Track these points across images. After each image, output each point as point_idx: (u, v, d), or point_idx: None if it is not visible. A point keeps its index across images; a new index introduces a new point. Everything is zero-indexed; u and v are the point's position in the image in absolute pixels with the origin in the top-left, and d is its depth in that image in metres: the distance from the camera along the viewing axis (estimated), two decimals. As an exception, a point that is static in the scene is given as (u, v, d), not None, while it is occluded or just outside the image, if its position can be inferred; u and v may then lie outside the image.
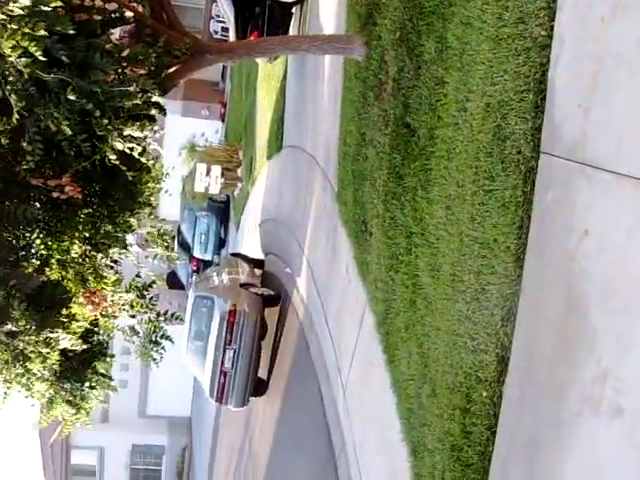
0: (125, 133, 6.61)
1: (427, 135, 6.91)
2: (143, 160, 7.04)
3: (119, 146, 6.61)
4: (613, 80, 4.37)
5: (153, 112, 7.09)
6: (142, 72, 7.56)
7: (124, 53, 6.59)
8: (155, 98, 6.63)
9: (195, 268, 25.54)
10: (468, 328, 5.89)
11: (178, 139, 25.43)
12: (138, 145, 6.91)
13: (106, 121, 6.28)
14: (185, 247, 25.76)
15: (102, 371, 11.62)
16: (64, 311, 8.04)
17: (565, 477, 4.59)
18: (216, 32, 26.89)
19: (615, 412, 4.14)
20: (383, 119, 8.18)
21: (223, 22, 23.92)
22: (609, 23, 4.39)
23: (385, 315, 7.92)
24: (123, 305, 9.37)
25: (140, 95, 6.52)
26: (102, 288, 8.98)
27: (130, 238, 9.43)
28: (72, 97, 5.96)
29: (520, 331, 5.24)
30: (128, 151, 6.71)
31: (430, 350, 6.65)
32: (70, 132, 6.22)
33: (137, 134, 6.67)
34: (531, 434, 5.04)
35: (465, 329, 5.93)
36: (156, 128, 7.12)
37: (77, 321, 8.25)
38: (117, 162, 6.76)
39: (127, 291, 9.39)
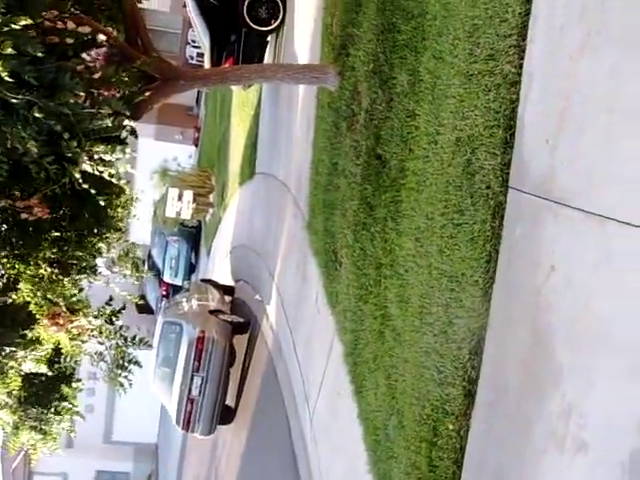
0: (95, 156, 6.56)
1: (398, 167, 6.95)
2: (114, 181, 6.98)
3: (88, 168, 6.55)
4: (580, 117, 4.43)
5: (124, 135, 7.05)
6: (115, 95, 7.55)
7: (95, 75, 6.55)
8: (126, 122, 6.59)
9: (165, 293, 25.38)
10: (435, 361, 5.88)
11: (150, 163, 25.37)
12: (109, 168, 6.87)
13: (75, 143, 6.23)
14: (155, 271, 25.60)
15: (68, 396, 11.46)
16: (28, 333, 7.93)
17: (529, 513, 4.59)
18: (192, 57, 26.94)
19: (578, 447, 4.14)
20: (355, 150, 8.22)
21: (199, 48, 23.99)
22: (577, 61, 4.45)
23: (353, 345, 7.91)
24: (92, 331, 9.27)
25: (111, 118, 6.49)
26: (72, 312, 8.89)
27: (99, 262, 9.35)
28: (39, 115, 5.89)
29: (487, 365, 5.24)
30: (97, 173, 6.66)
31: (398, 382, 6.64)
32: (37, 152, 6.15)
33: (107, 157, 6.62)
34: (497, 468, 5.03)
35: (433, 362, 5.93)
36: (127, 150, 7.07)
37: (41, 344, 8.13)
38: (86, 185, 6.70)
39: (96, 317, 9.29)
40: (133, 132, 7.67)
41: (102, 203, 7.95)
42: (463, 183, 5.63)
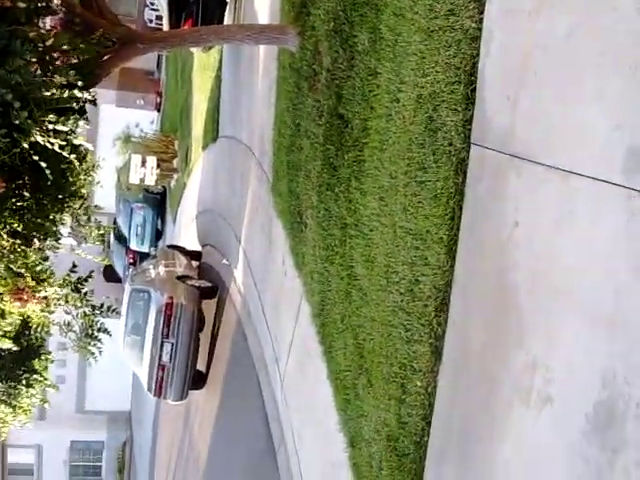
0: (49, 127, 6.40)
1: (360, 126, 6.90)
2: (65, 154, 6.80)
3: (39, 139, 6.39)
4: (540, 72, 4.41)
5: (81, 105, 6.90)
6: (73, 62, 7.38)
7: (49, 42, 6.37)
8: (78, 92, 6.43)
9: (132, 261, 25.21)
10: (402, 319, 5.91)
11: (112, 129, 25.03)
12: (65, 139, 6.70)
13: (26, 113, 6.07)
14: (121, 239, 25.40)
15: (38, 369, 11.39)
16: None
17: (497, 465, 4.65)
18: (150, 20, 26.49)
19: (544, 401, 4.20)
20: (317, 110, 8.15)
21: (157, 10, 23.58)
22: (536, 17, 4.43)
23: (321, 306, 7.92)
24: (58, 300, 9.17)
25: (63, 87, 6.32)
26: (36, 283, 8.78)
27: (63, 230, 9.22)
28: None
29: (453, 321, 5.28)
30: (49, 145, 6.50)
31: (365, 341, 6.67)
32: None
33: (60, 127, 6.46)
34: (464, 424, 5.09)
35: (399, 320, 5.96)
36: (82, 123, 6.90)
37: (5, 319, 8.02)
38: (36, 157, 6.55)
39: (61, 285, 9.19)
40: (92, 101, 7.51)
41: (61, 171, 7.79)
42: (425, 140, 5.61)
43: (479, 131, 5.00)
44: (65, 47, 6.57)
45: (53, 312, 9.28)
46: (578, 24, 4.11)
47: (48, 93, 6.19)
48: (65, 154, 6.69)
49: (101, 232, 9.83)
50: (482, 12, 5.02)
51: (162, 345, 14.42)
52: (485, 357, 4.85)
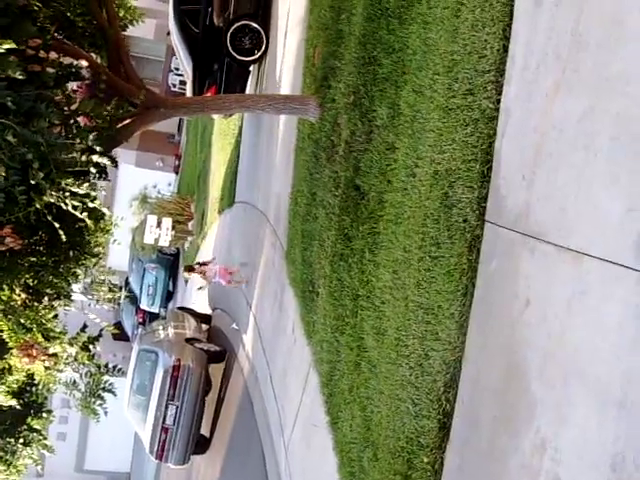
0: (67, 189, 6.51)
1: (376, 199, 6.98)
2: (79, 215, 6.91)
3: (53, 200, 6.50)
4: (556, 154, 4.49)
5: (101, 165, 7.02)
6: (95, 125, 7.54)
7: (73, 106, 6.53)
8: (96, 157, 6.56)
9: (141, 320, 25.22)
10: (411, 393, 5.88)
11: (130, 189, 25.33)
12: (80, 201, 6.81)
13: (42, 174, 6.19)
14: (132, 298, 25.45)
15: (37, 427, 11.29)
16: (-1, 362, 7.82)
17: None
18: (174, 85, 27.04)
19: (552, 483, 4.14)
20: (334, 181, 8.26)
21: (182, 75, 24.09)
22: (553, 99, 4.52)
23: (329, 376, 7.88)
24: (67, 358, 9.16)
25: (83, 152, 6.46)
26: (45, 340, 8.78)
27: (75, 287, 9.27)
28: (12, 140, 5.86)
29: (462, 398, 5.25)
30: (63, 206, 6.61)
31: (373, 414, 6.62)
32: (7, 179, 6.10)
33: (75, 190, 6.58)
34: (470, 503, 5.02)
35: (408, 394, 5.93)
36: (100, 186, 7.03)
37: (12, 375, 8.01)
38: (49, 217, 6.66)
39: (71, 344, 9.19)
40: (114, 161, 7.66)
41: (77, 230, 7.89)
42: (440, 216, 5.67)
43: (494, 209, 5.06)
44: (90, 113, 6.73)
45: (62, 371, 9.27)
46: (592, 108, 4.20)
47: (68, 156, 6.32)
48: (79, 214, 6.80)
49: (114, 296, 9.90)
50: (500, 93, 5.14)
51: (167, 407, 14.33)
52: (494, 435, 4.81)
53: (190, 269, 15.07)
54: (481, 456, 4.95)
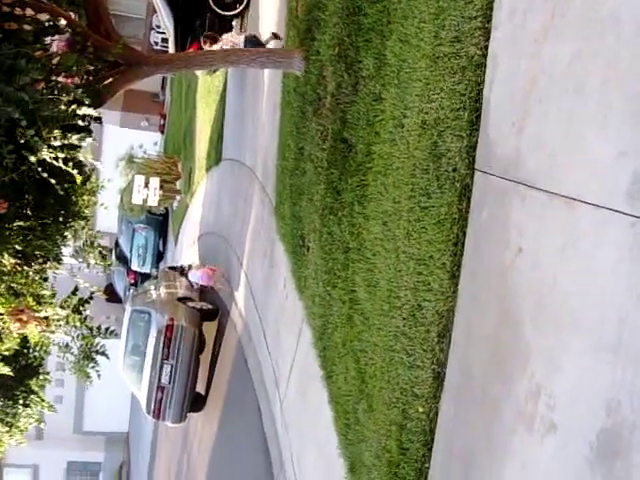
0: (54, 143, 6.41)
1: (364, 151, 6.92)
2: (69, 170, 6.81)
3: (46, 156, 6.40)
4: (545, 99, 4.43)
5: (86, 122, 6.92)
6: (77, 82, 7.41)
7: (54, 61, 6.40)
8: (85, 109, 6.45)
9: (133, 281, 25.19)
10: (404, 344, 5.89)
11: (116, 150, 25.10)
12: (69, 155, 6.71)
13: (32, 131, 6.09)
14: (123, 260, 25.39)
15: (36, 389, 11.33)
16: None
17: (499, 493, 4.61)
18: (156, 43, 26.64)
19: (547, 428, 4.17)
20: (321, 134, 8.18)
21: (163, 33, 23.73)
22: (541, 44, 4.45)
23: (322, 330, 7.90)
24: (58, 321, 9.15)
25: (70, 105, 6.34)
26: (37, 304, 8.76)
27: (65, 250, 9.21)
28: None
29: (456, 347, 5.26)
30: (55, 162, 6.51)
31: (367, 366, 6.64)
32: None
33: (65, 142, 6.47)
34: (466, 450, 5.05)
35: (401, 345, 5.94)
36: (88, 139, 6.92)
37: (3, 342, 7.99)
38: (45, 174, 6.56)
39: (62, 307, 9.17)
40: (98, 119, 7.55)
41: (65, 191, 7.80)
42: (429, 166, 5.62)
43: (483, 157, 5.01)
44: (72, 67, 6.60)
45: (53, 332, 9.26)
46: (581, 51, 4.13)
47: (55, 110, 6.21)
48: (69, 169, 6.69)
49: (105, 263, 9.85)
50: (487, 39, 5.05)
51: (162, 367, 14.37)
52: (488, 383, 4.83)
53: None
54: (476, 404, 4.97)
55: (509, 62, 4.83)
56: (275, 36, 10.93)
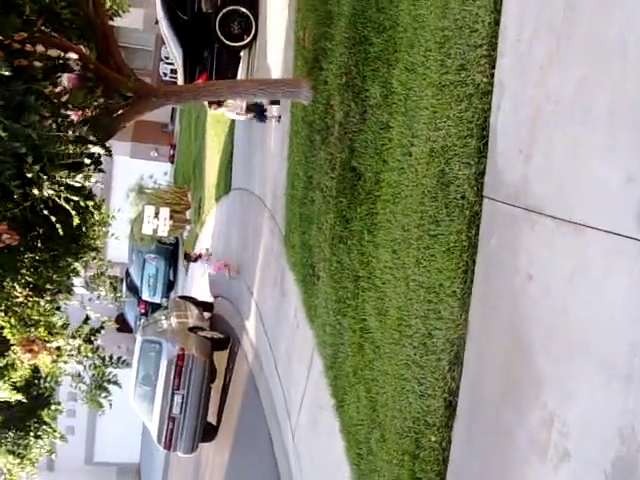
0: (61, 180, 6.45)
1: (373, 179, 6.94)
2: (68, 207, 6.85)
3: (48, 193, 6.44)
4: (552, 126, 4.44)
5: (95, 156, 6.96)
6: (87, 116, 7.47)
7: (64, 98, 6.46)
8: (91, 147, 6.50)
9: (143, 311, 25.20)
10: (416, 372, 5.86)
11: (126, 181, 25.25)
12: (75, 194, 6.74)
13: (37, 167, 6.14)
14: (133, 290, 25.43)
15: (47, 420, 11.31)
16: (2, 359, 7.80)
17: (514, 523, 4.56)
18: (165, 74, 26.84)
19: (561, 456, 4.13)
20: (330, 163, 8.21)
21: (172, 64, 23.94)
22: (547, 71, 4.47)
23: (333, 359, 7.87)
24: (70, 351, 9.16)
25: (76, 143, 6.39)
26: (48, 334, 8.77)
27: (76, 281, 9.23)
28: (3, 135, 5.79)
29: (467, 375, 5.23)
30: (58, 200, 6.55)
31: (379, 394, 6.60)
32: (2, 174, 6.05)
33: (70, 182, 6.51)
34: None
35: (413, 373, 5.91)
36: (96, 175, 6.97)
37: (16, 370, 7.99)
38: (46, 212, 6.60)
39: (74, 337, 9.18)
40: (107, 153, 7.59)
41: (75, 224, 7.84)
42: (438, 194, 5.63)
43: (492, 184, 5.02)
44: (81, 103, 6.66)
45: (66, 362, 9.26)
46: (587, 77, 4.15)
47: (61, 148, 6.25)
48: (71, 209, 6.73)
49: (116, 294, 9.89)
50: (493, 67, 5.08)
51: (173, 397, 14.33)
52: (500, 411, 4.79)
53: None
54: (489, 432, 4.94)
55: (515, 89, 4.85)
56: (274, 102, 11.46)
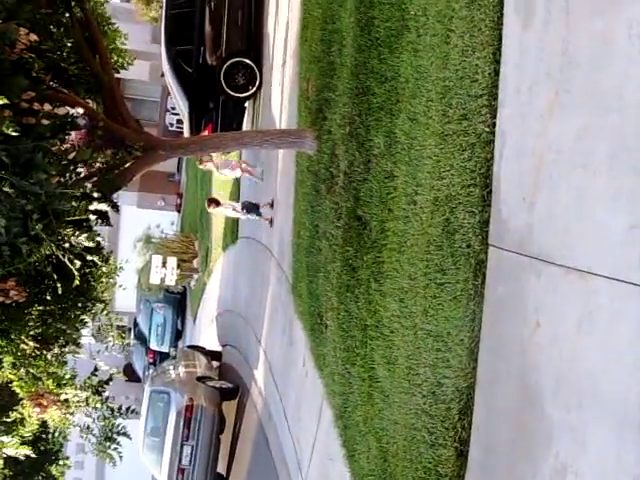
0: (64, 238, 6.51)
1: (378, 228, 6.97)
2: (72, 267, 6.90)
3: (53, 250, 6.50)
4: (555, 174, 4.48)
5: (100, 212, 7.03)
6: (94, 171, 7.56)
7: (70, 156, 6.55)
8: (96, 205, 6.57)
9: (151, 360, 25.12)
10: (426, 422, 5.82)
11: (133, 231, 25.40)
12: (80, 253, 6.80)
13: (41, 225, 6.20)
14: (141, 339, 25.39)
15: (56, 474, 11.25)
16: (11, 414, 7.78)
17: None
18: (171, 125, 27.16)
19: (575, 508, 4.08)
20: (335, 212, 8.26)
21: (178, 115, 24.22)
22: (547, 120, 4.52)
23: (343, 409, 7.82)
24: (78, 402, 9.13)
25: (81, 199, 6.47)
26: (56, 386, 8.75)
27: (83, 331, 9.25)
28: (10, 192, 5.87)
29: (477, 424, 5.19)
30: (61, 257, 6.61)
31: (389, 444, 6.55)
32: (6, 229, 6.10)
33: (73, 240, 6.58)
34: (493, 531, 4.94)
35: (423, 423, 5.87)
36: (100, 237, 7.04)
37: (24, 426, 7.97)
38: (49, 268, 6.66)
39: (82, 388, 9.16)
40: (114, 207, 7.67)
41: (82, 277, 7.88)
42: (443, 242, 5.65)
43: (496, 233, 5.04)
44: (88, 160, 6.75)
45: (74, 413, 9.23)
46: (588, 126, 4.20)
47: (67, 205, 6.33)
48: (74, 270, 6.78)
49: (123, 343, 9.89)
50: (494, 116, 5.14)
51: (182, 448, 14.21)
52: (512, 461, 4.75)
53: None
54: (501, 483, 4.89)
55: (517, 138, 4.90)
56: (271, 205, 12.28)
